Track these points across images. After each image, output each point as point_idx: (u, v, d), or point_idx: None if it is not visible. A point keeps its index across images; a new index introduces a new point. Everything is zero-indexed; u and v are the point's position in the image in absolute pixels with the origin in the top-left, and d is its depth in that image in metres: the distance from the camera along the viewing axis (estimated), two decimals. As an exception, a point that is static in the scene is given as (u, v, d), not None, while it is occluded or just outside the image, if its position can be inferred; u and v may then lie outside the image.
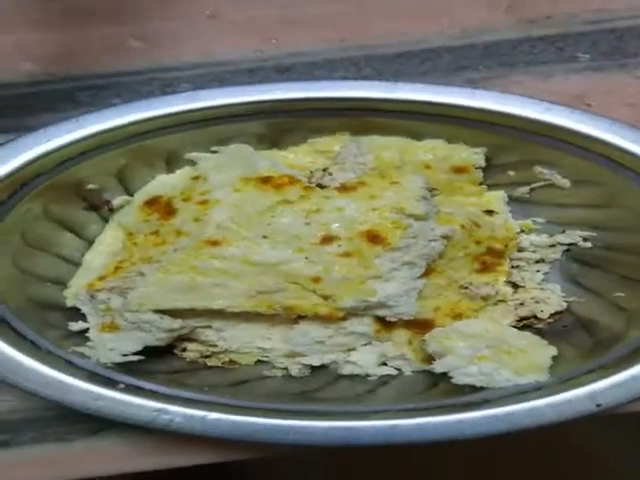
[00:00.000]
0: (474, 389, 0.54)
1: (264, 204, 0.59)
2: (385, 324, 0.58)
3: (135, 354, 0.57)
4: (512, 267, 0.62)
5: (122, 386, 0.54)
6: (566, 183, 0.64)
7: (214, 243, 0.58)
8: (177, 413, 0.52)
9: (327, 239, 0.58)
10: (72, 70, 0.73)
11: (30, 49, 0.74)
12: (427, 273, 0.59)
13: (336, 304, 0.56)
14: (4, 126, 0.69)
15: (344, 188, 0.61)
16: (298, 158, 0.66)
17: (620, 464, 0.88)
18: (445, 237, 0.59)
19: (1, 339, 0.55)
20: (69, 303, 0.60)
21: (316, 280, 0.56)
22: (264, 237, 0.58)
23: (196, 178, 0.64)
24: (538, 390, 0.53)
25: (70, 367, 0.55)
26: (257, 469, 0.83)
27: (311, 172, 0.65)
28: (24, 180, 0.61)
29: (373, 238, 0.57)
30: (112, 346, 0.57)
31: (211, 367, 0.58)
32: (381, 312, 0.57)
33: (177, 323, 0.57)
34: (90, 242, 0.63)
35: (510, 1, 0.77)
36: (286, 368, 0.58)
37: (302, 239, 0.58)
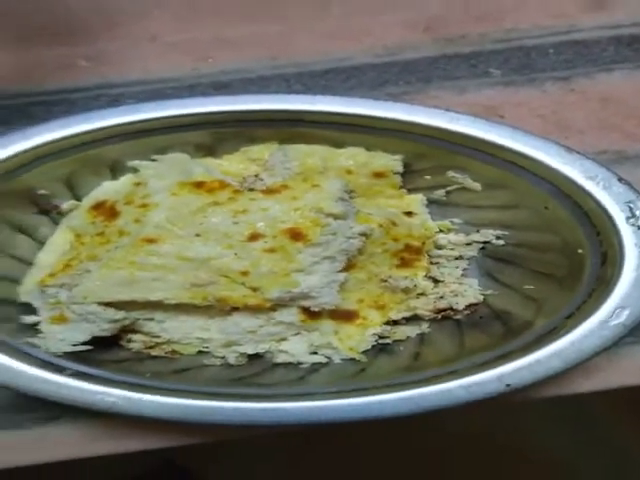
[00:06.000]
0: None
1: (196, 205, 0.64)
2: (311, 314, 0.61)
3: (84, 344, 0.60)
4: (432, 263, 0.66)
5: (69, 372, 0.57)
6: (477, 187, 0.69)
7: (151, 241, 0.62)
8: (119, 396, 0.55)
9: (254, 236, 0.62)
10: (25, 87, 0.78)
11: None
12: (349, 268, 0.63)
13: (263, 295, 0.60)
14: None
15: (269, 191, 0.66)
16: (231, 165, 0.71)
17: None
18: (363, 234, 0.64)
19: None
20: (22, 299, 0.63)
21: (244, 274, 0.61)
22: (197, 235, 0.62)
23: (138, 184, 0.69)
24: (451, 374, 0.57)
25: (23, 356, 0.58)
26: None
27: (243, 178, 0.70)
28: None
29: (295, 235, 0.62)
30: (62, 337, 0.60)
31: (155, 357, 0.61)
32: (305, 302, 0.61)
33: (120, 314, 0.60)
34: (42, 243, 0.67)
35: (428, 22, 0.83)
36: (224, 357, 0.61)
37: (231, 237, 0.62)
